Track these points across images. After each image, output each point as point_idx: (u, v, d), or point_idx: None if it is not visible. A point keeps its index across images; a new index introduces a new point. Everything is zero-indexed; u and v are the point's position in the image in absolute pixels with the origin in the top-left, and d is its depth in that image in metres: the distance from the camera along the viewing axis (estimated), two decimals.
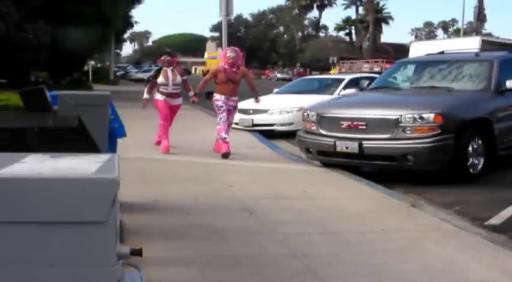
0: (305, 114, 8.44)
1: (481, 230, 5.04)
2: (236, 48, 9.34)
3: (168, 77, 9.28)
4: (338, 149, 7.71)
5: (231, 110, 9.24)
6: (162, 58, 9.51)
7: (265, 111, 12.85)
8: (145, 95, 9.59)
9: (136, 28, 76.91)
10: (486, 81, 8.29)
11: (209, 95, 9.40)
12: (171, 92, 9.33)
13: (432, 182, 7.41)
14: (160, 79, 9.31)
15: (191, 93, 9.56)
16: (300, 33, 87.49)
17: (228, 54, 9.14)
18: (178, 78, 9.40)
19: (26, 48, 22.01)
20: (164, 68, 9.39)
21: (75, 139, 3.65)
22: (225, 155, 8.75)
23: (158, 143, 9.45)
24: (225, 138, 8.92)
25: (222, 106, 9.09)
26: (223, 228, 4.89)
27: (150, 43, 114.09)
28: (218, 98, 9.09)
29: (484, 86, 8.25)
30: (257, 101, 9.87)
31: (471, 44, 16.58)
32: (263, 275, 3.82)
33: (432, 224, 5.19)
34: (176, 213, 5.43)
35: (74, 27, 22.63)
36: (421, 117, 7.22)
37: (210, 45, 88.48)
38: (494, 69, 8.32)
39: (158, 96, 9.38)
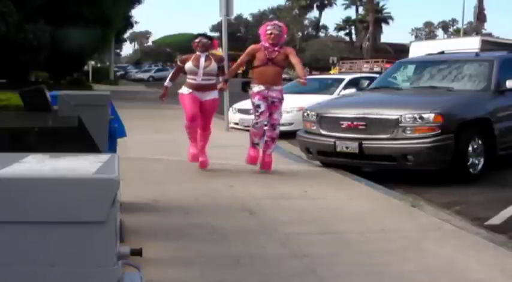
0: (305, 114, 8.44)
1: (481, 230, 5.04)
2: (280, 24, 7.53)
3: (199, 63, 7.26)
4: (338, 149, 7.71)
5: (275, 103, 7.35)
6: (197, 40, 7.40)
7: None
8: (167, 82, 7.64)
9: (136, 28, 77.05)
10: (486, 81, 8.29)
11: (245, 86, 7.64)
12: (201, 84, 7.27)
13: (432, 182, 7.41)
14: (189, 65, 7.29)
15: (221, 78, 7.55)
16: (300, 33, 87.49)
17: (268, 31, 7.32)
18: (213, 65, 7.30)
19: (26, 48, 22.04)
20: (197, 53, 7.37)
21: (75, 139, 3.65)
22: (253, 163, 7.51)
23: (195, 157, 7.51)
24: (258, 144, 7.47)
25: (259, 106, 7.27)
26: (223, 228, 4.89)
27: (150, 43, 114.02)
28: (256, 91, 7.28)
29: (484, 86, 8.25)
30: (302, 83, 7.45)
31: (471, 44, 16.56)
32: (263, 275, 3.82)
33: (432, 224, 5.19)
34: (176, 213, 5.43)
35: (74, 27, 22.66)
36: (421, 117, 7.22)
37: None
38: (494, 69, 8.32)
39: (183, 90, 7.38)
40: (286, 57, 7.35)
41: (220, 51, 14.85)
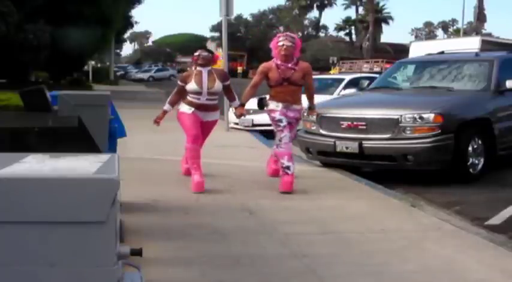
0: (305, 114, 8.44)
1: (481, 230, 5.04)
2: (293, 35, 6.78)
3: (202, 81, 6.52)
4: (338, 149, 7.71)
5: (292, 124, 6.71)
6: (197, 53, 6.64)
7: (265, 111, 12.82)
8: (167, 106, 6.81)
9: (137, 28, 77.01)
10: (486, 81, 8.29)
11: (262, 103, 6.84)
12: (204, 104, 6.56)
13: (432, 182, 7.41)
14: (191, 85, 6.52)
15: (236, 102, 6.87)
16: (300, 34, 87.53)
17: (280, 43, 6.54)
18: (218, 85, 6.56)
19: (26, 48, 22.05)
20: (198, 69, 6.64)
21: (75, 139, 3.65)
22: (285, 191, 6.37)
23: (187, 172, 6.89)
24: (288, 167, 6.41)
25: (281, 120, 6.56)
26: (223, 228, 4.89)
27: (150, 43, 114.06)
28: (274, 108, 6.62)
29: (484, 86, 8.25)
30: (312, 113, 7.29)
31: (471, 44, 16.56)
32: (263, 275, 3.82)
33: (432, 224, 5.19)
34: (176, 213, 5.43)
35: (74, 27, 22.66)
36: (421, 117, 7.23)
37: (210, 45, 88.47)
38: (494, 69, 8.32)
39: (184, 108, 6.60)
40: (303, 75, 6.62)
41: (220, 52, 14.82)
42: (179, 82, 6.77)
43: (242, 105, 6.80)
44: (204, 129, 6.70)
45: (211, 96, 6.56)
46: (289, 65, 6.54)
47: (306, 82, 6.72)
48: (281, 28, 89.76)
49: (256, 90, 6.83)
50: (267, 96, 6.78)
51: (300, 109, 6.81)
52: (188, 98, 6.59)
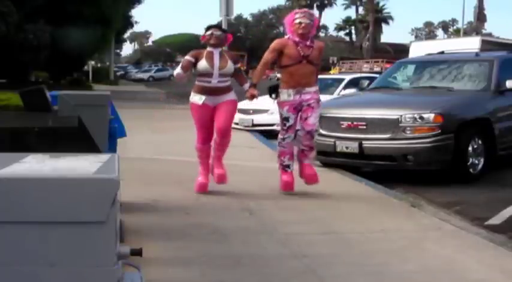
0: None
1: (481, 230, 5.04)
2: (311, 12, 6.30)
3: (213, 62, 5.92)
4: (338, 149, 7.71)
5: (311, 105, 6.09)
6: (209, 32, 6.00)
7: (265, 111, 12.83)
8: (178, 70, 6.03)
9: (136, 28, 76.99)
10: (486, 81, 8.29)
11: (273, 92, 6.22)
12: (216, 87, 5.96)
13: (432, 182, 7.41)
14: (203, 64, 5.90)
15: (246, 85, 6.21)
16: None
17: (297, 20, 5.98)
18: (230, 66, 5.98)
19: (26, 48, 22.06)
20: (208, 49, 6.00)
21: (75, 139, 3.65)
22: (288, 189, 6.24)
23: (202, 187, 6.26)
24: (288, 165, 6.23)
25: (287, 119, 6.12)
26: (223, 228, 4.89)
27: (150, 43, 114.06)
28: (285, 99, 6.08)
29: (484, 86, 8.25)
30: None
31: (471, 44, 16.56)
32: (263, 275, 3.82)
33: (432, 224, 5.19)
34: (176, 213, 5.43)
35: (74, 27, 22.68)
36: (421, 117, 7.23)
37: None
38: (494, 69, 8.32)
39: (195, 98, 6.04)
40: (320, 53, 6.19)
41: None
42: (188, 57, 5.99)
43: (254, 85, 6.16)
44: (220, 112, 5.96)
45: (222, 78, 5.95)
46: (307, 42, 6.04)
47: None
48: (281, 28, 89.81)
49: (266, 68, 6.24)
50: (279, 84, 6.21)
51: (316, 90, 6.20)
52: (197, 82, 6.02)
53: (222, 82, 5.97)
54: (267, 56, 6.14)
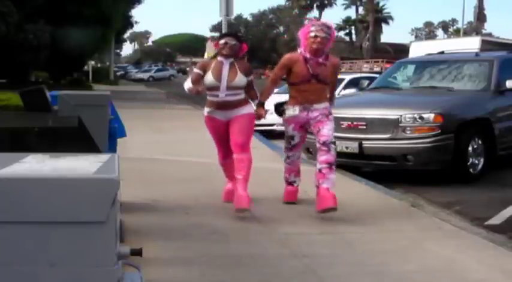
0: None
1: (481, 230, 5.04)
2: (329, 24, 5.55)
3: (221, 73, 5.38)
4: (338, 149, 7.68)
5: (321, 120, 5.50)
6: (223, 41, 5.43)
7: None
8: (190, 84, 5.49)
9: (136, 28, 77.04)
10: (486, 81, 8.29)
11: (280, 109, 5.82)
12: (225, 101, 5.41)
13: (432, 182, 7.41)
14: (209, 78, 5.39)
15: (255, 102, 5.66)
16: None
17: (312, 33, 5.38)
18: (240, 78, 5.40)
19: (26, 48, 22.06)
20: (219, 59, 5.45)
21: (75, 139, 3.65)
22: (291, 199, 5.88)
23: (229, 194, 5.76)
24: (294, 182, 5.89)
25: (292, 137, 5.73)
26: (223, 228, 4.89)
27: (150, 43, 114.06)
28: (290, 115, 5.65)
29: (484, 86, 8.26)
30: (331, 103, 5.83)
31: (471, 44, 16.57)
32: (263, 275, 3.82)
33: (432, 224, 5.19)
34: (176, 213, 5.43)
35: (74, 27, 22.68)
36: (421, 117, 7.23)
37: (209, 45, 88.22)
38: (494, 69, 8.33)
39: (206, 110, 5.62)
40: (334, 70, 5.65)
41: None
42: (196, 70, 5.54)
43: (262, 104, 5.67)
44: (232, 128, 5.45)
45: (232, 91, 5.38)
46: (320, 59, 5.45)
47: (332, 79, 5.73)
48: (281, 28, 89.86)
49: (276, 85, 5.90)
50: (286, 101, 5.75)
51: (325, 107, 5.56)
52: (207, 96, 5.53)
53: (232, 96, 5.40)
54: (276, 72, 5.76)
